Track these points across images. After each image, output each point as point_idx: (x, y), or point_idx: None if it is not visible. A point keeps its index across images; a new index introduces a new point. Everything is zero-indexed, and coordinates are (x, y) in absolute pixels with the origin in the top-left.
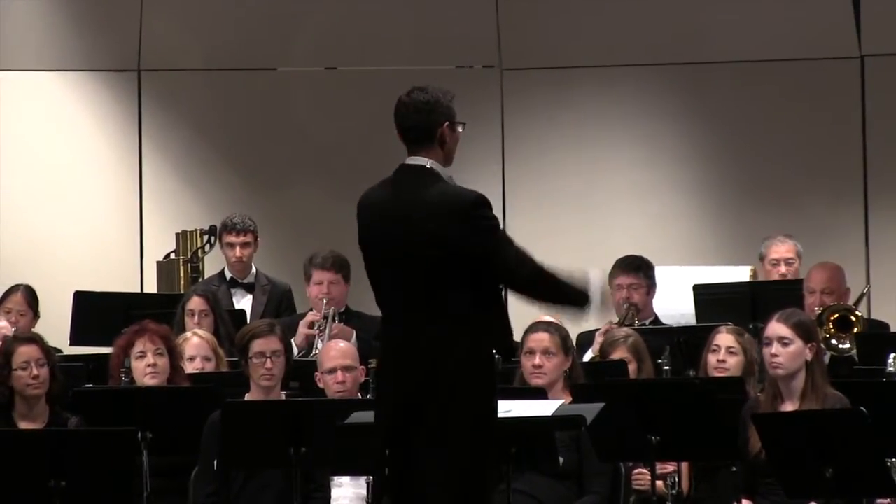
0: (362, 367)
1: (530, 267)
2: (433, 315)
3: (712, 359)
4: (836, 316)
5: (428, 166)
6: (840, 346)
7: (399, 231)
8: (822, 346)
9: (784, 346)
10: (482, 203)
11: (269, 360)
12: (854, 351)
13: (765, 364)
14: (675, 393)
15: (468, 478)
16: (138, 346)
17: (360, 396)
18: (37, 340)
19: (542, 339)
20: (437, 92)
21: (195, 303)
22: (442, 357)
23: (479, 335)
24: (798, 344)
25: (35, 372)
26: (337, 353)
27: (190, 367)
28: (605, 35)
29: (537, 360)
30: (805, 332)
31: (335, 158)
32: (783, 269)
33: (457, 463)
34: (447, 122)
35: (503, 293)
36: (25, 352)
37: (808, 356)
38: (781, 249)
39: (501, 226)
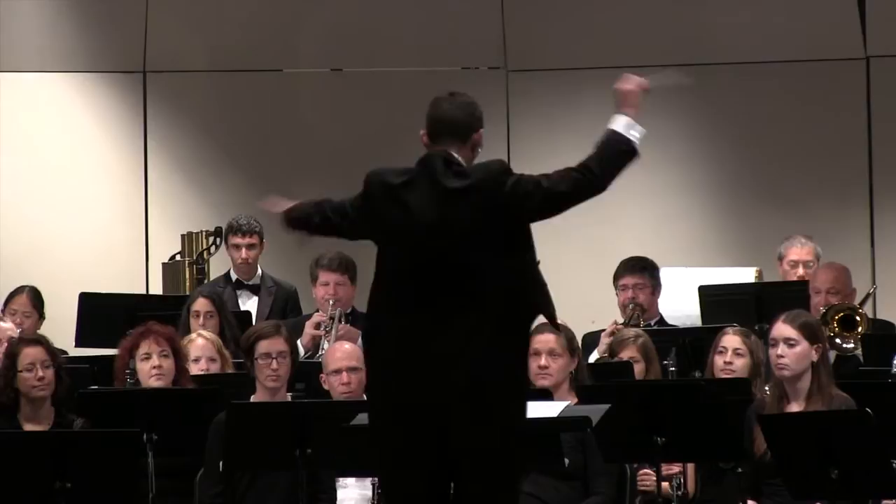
0: None
1: (573, 171)
2: (464, 300)
3: (719, 360)
4: (840, 315)
5: (458, 158)
6: (844, 345)
7: (436, 213)
8: (827, 344)
9: (790, 347)
10: (507, 166)
11: (274, 360)
12: (859, 350)
13: (771, 365)
14: (681, 394)
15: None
16: (143, 348)
17: (365, 398)
18: (42, 342)
19: (547, 340)
20: (474, 100)
21: (200, 304)
22: (478, 348)
23: (514, 322)
24: (804, 345)
25: (40, 373)
26: (342, 354)
27: (195, 369)
28: (610, 36)
29: (543, 361)
30: (811, 333)
31: (341, 160)
32: (801, 271)
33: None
34: (481, 129)
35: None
36: (31, 353)
37: (814, 357)
38: (802, 252)
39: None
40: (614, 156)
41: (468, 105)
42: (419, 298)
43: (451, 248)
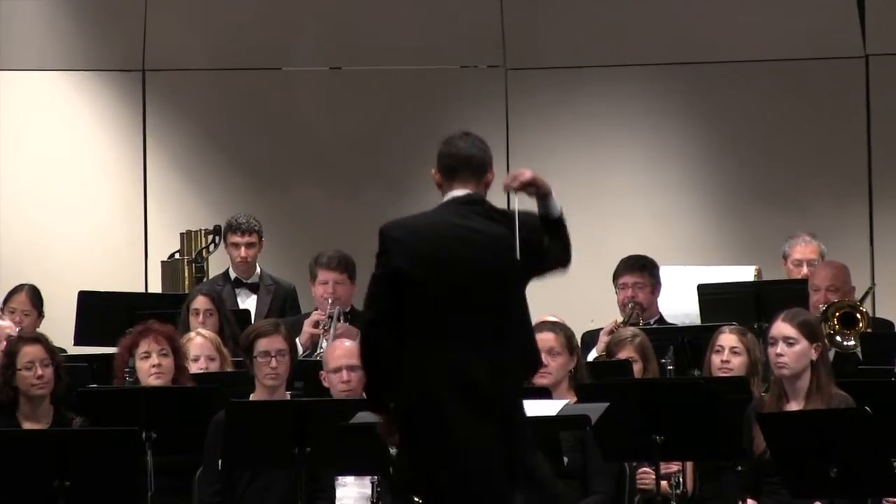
0: None
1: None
2: (495, 336)
3: (716, 359)
4: (840, 312)
5: (482, 199)
6: (845, 342)
7: (468, 255)
8: (826, 342)
9: (789, 345)
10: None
11: (273, 359)
12: (858, 348)
13: (770, 364)
14: (680, 393)
15: None
16: (143, 347)
17: (364, 396)
18: (41, 340)
19: (547, 338)
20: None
21: (200, 302)
22: (510, 381)
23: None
24: (803, 344)
25: (39, 372)
26: (342, 352)
27: (194, 367)
28: (609, 35)
29: (542, 360)
30: (810, 331)
31: (340, 158)
32: (806, 269)
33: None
34: (492, 169)
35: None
36: (30, 352)
37: (814, 356)
38: (806, 250)
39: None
40: (567, 235)
41: (482, 143)
42: (458, 335)
43: (492, 288)
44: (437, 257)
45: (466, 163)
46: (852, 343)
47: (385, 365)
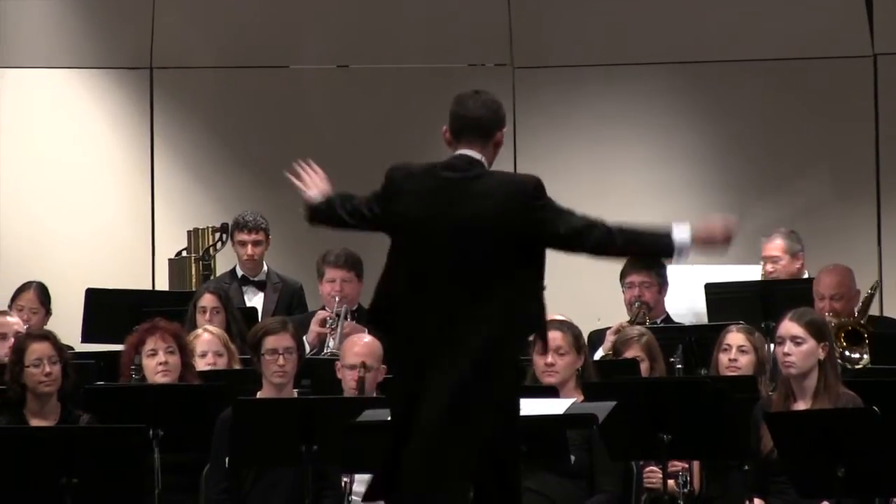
0: (384, 366)
1: (602, 227)
2: (476, 297)
3: (724, 358)
4: (845, 331)
5: (482, 161)
6: (853, 356)
7: (461, 212)
8: (840, 360)
9: (797, 345)
10: (541, 186)
11: (281, 356)
12: (867, 361)
13: (777, 363)
14: (687, 392)
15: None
16: (149, 344)
17: (375, 395)
18: (49, 337)
19: (554, 337)
20: (498, 98)
21: (207, 300)
22: (494, 342)
23: (517, 320)
24: (811, 343)
25: (48, 369)
26: (361, 348)
27: (202, 364)
28: (617, 33)
29: (549, 359)
30: (817, 331)
31: (347, 156)
32: (769, 267)
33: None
34: (504, 129)
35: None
36: (38, 349)
37: (821, 355)
38: (769, 247)
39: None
40: (645, 247)
41: (493, 103)
42: (434, 289)
43: (475, 245)
44: (424, 219)
45: (475, 124)
46: (858, 356)
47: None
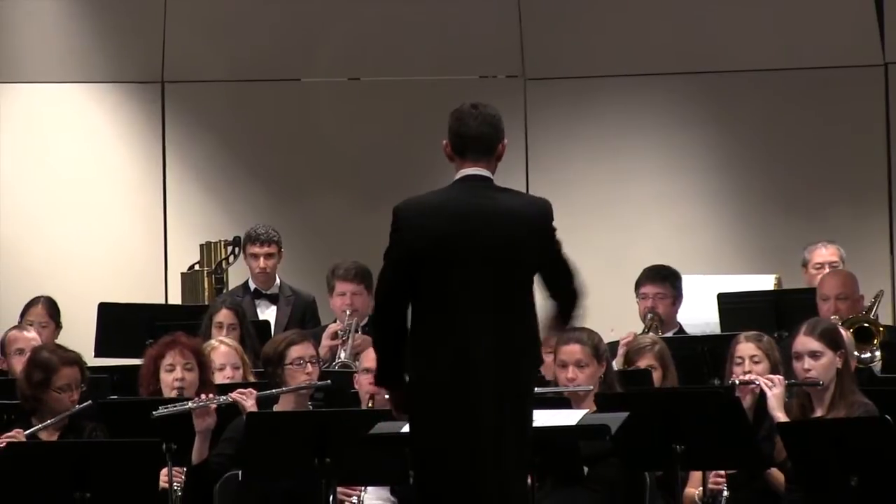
0: None
1: (579, 279)
2: (508, 313)
3: (738, 371)
4: (855, 328)
5: (492, 178)
6: (862, 355)
7: (481, 231)
8: (847, 350)
9: (816, 359)
10: (551, 211)
11: (308, 364)
12: (879, 361)
13: (794, 373)
14: (701, 401)
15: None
16: (168, 359)
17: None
18: (79, 362)
19: (573, 351)
20: (496, 110)
21: (224, 315)
22: (520, 356)
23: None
24: (829, 355)
25: (74, 396)
26: None
27: (220, 377)
28: (628, 44)
29: (570, 374)
30: (832, 340)
31: (359, 169)
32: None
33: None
34: (505, 140)
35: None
36: (68, 374)
37: (839, 364)
38: (826, 253)
39: None
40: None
41: (492, 118)
42: (461, 307)
43: (497, 264)
44: (449, 235)
45: (476, 143)
46: (869, 356)
47: (395, 345)
